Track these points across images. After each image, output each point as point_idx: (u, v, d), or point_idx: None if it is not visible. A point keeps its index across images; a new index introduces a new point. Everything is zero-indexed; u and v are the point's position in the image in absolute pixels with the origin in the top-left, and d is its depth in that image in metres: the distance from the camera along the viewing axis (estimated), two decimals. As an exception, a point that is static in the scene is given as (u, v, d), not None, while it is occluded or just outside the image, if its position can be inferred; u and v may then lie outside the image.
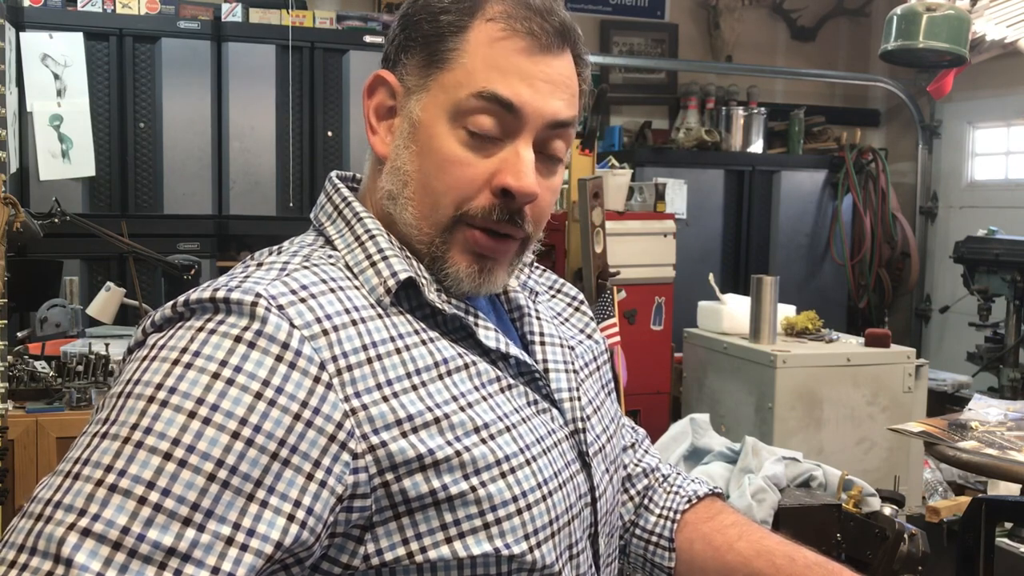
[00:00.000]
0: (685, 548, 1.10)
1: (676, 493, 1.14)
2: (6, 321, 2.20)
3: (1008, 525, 2.77)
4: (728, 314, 3.54)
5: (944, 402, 4.14)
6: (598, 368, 1.09)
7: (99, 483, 0.71)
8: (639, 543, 1.13)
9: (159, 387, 0.75)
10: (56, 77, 3.89)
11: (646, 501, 1.14)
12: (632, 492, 1.15)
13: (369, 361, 0.82)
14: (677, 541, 1.10)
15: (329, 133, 4.32)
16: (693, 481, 1.17)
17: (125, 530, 0.69)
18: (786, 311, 3.57)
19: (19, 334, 3.07)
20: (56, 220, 2.81)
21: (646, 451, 1.21)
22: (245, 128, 4.19)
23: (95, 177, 3.99)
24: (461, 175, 0.89)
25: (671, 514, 1.12)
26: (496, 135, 0.89)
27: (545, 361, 0.98)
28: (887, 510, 1.87)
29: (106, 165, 4.04)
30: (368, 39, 4.28)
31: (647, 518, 1.13)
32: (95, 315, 3.05)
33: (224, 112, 4.16)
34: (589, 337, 1.10)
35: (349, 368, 0.80)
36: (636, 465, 1.18)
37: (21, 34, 3.83)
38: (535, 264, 1.13)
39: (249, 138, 4.20)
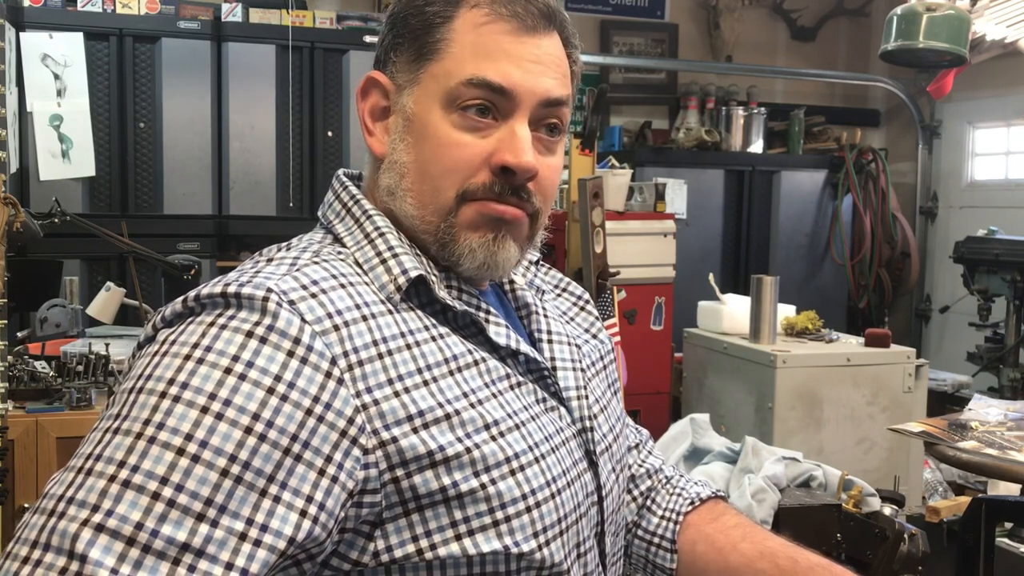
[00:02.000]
0: (687, 549, 1.10)
1: (679, 495, 1.14)
2: (6, 321, 2.20)
3: (1008, 525, 2.77)
4: (728, 314, 3.54)
5: (944, 402, 4.13)
6: (604, 367, 1.09)
7: (112, 478, 0.71)
8: (641, 544, 1.13)
9: (171, 382, 0.75)
10: (56, 77, 3.88)
11: (649, 502, 1.15)
12: (635, 493, 1.15)
13: (380, 356, 0.82)
14: (679, 542, 1.11)
15: (329, 133, 4.32)
16: (696, 483, 1.17)
17: (139, 525, 0.69)
18: (786, 311, 3.57)
19: (19, 334, 3.07)
20: (56, 220, 2.80)
21: (649, 452, 1.21)
22: (245, 128, 4.19)
23: (95, 177, 3.99)
24: (459, 156, 0.89)
25: (674, 515, 1.12)
26: (491, 118, 0.90)
27: (553, 359, 0.98)
28: (887, 510, 1.87)
29: (106, 165, 4.04)
30: (368, 39, 4.28)
31: (649, 519, 1.13)
32: (95, 315, 3.05)
33: (224, 112, 4.16)
34: (595, 337, 1.11)
35: (360, 363, 0.81)
36: (640, 466, 1.18)
37: (21, 34, 3.83)
38: (540, 263, 1.13)
39: (249, 138, 4.20)
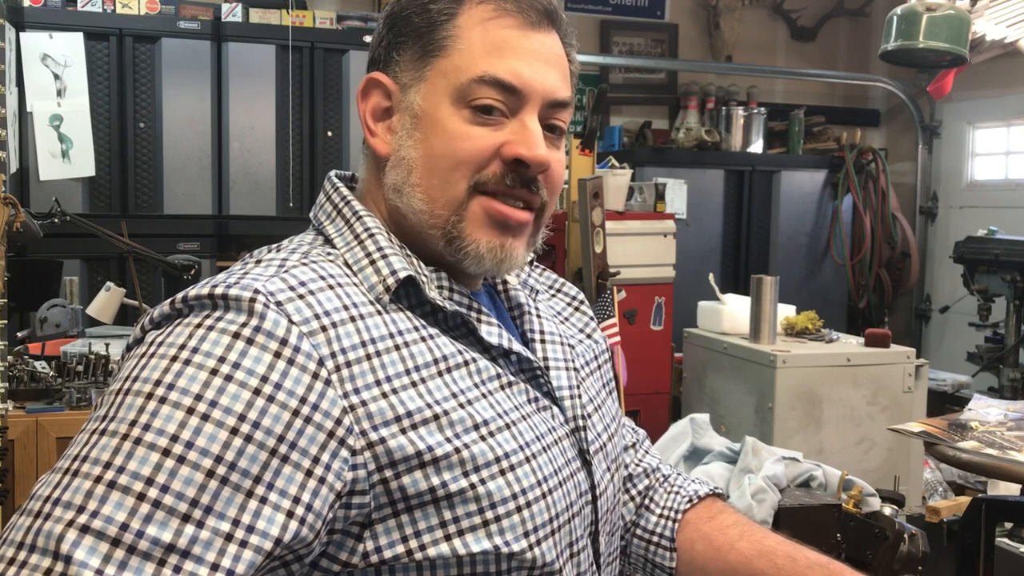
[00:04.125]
0: (686, 548, 1.10)
1: (677, 493, 1.14)
2: (6, 321, 2.20)
3: (1008, 525, 2.77)
4: (728, 314, 3.54)
5: (944, 402, 4.14)
6: (599, 367, 1.08)
7: (98, 480, 0.71)
8: (640, 543, 1.13)
9: (158, 384, 0.75)
10: (56, 77, 3.89)
11: (647, 501, 1.14)
12: (633, 492, 1.15)
13: (368, 358, 0.82)
14: (678, 541, 1.10)
15: (329, 133, 4.32)
16: (694, 482, 1.17)
17: (124, 526, 0.69)
18: (786, 311, 3.57)
19: (19, 334, 3.07)
20: (56, 220, 2.80)
21: (647, 451, 1.21)
22: (245, 128, 4.19)
23: (95, 177, 4.00)
24: (470, 147, 0.89)
25: (672, 514, 1.12)
26: (500, 111, 0.90)
27: (545, 359, 0.98)
28: (887, 510, 1.87)
29: (106, 165, 4.04)
30: (368, 39, 4.28)
31: (648, 518, 1.13)
32: (95, 315, 3.05)
33: (224, 112, 4.16)
34: (589, 336, 1.10)
35: (348, 364, 0.80)
36: (637, 465, 1.18)
37: (21, 34, 3.83)
38: (535, 263, 1.13)
39: (249, 138, 4.20)
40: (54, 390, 2.49)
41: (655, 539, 1.11)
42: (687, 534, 1.11)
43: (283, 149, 4.26)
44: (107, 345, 2.70)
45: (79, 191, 3.98)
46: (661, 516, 1.12)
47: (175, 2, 4.13)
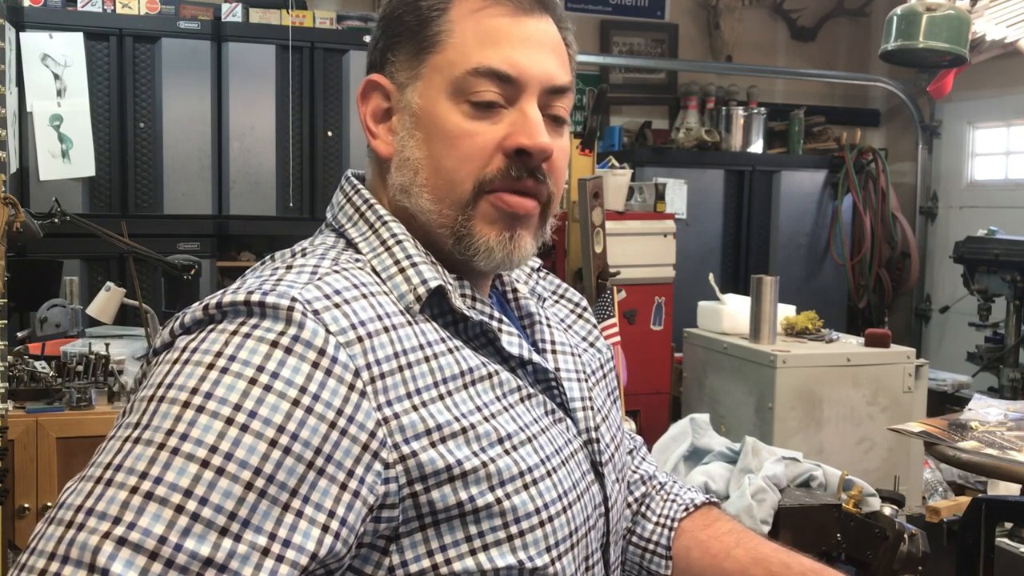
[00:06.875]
0: (682, 556, 1.10)
1: (673, 501, 1.13)
2: (6, 321, 2.20)
3: (1008, 525, 2.77)
4: (728, 314, 3.54)
5: (944, 402, 4.14)
6: (604, 376, 1.08)
7: (134, 490, 0.69)
8: (636, 551, 1.12)
9: (194, 392, 0.73)
10: (56, 77, 3.89)
11: (643, 509, 1.14)
12: (629, 499, 1.14)
13: (400, 369, 0.80)
14: (674, 549, 1.10)
15: (329, 133, 4.32)
16: (690, 490, 1.17)
17: (162, 539, 0.67)
18: (786, 311, 3.57)
19: (19, 334, 3.07)
20: (56, 220, 2.80)
21: (643, 458, 1.21)
22: (245, 128, 4.19)
23: (95, 177, 4.00)
24: (471, 145, 0.88)
25: (668, 522, 1.11)
26: (499, 103, 0.89)
27: (558, 370, 0.97)
28: (887, 510, 1.87)
29: (106, 165, 4.04)
30: (368, 39, 4.28)
31: (644, 526, 1.12)
32: (95, 315, 3.04)
33: (224, 112, 4.16)
34: (592, 345, 1.09)
35: (382, 376, 0.79)
36: (634, 472, 1.17)
37: (21, 34, 3.83)
38: (540, 268, 1.12)
39: (249, 138, 4.20)
40: (54, 390, 2.48)
41: (651, 547, 1.11)
42: (683, 542, 1.10)
43: (283, 149, 4.26)
44: (107, 345, 2.70)
45: (79, 191, 3.98)
46: (657, 524, 1.12)
47: (175, 2, 4.13)
